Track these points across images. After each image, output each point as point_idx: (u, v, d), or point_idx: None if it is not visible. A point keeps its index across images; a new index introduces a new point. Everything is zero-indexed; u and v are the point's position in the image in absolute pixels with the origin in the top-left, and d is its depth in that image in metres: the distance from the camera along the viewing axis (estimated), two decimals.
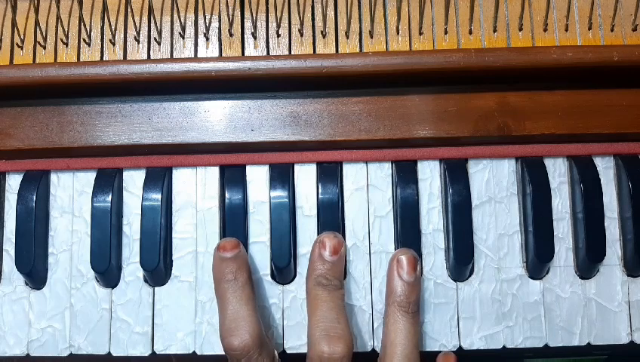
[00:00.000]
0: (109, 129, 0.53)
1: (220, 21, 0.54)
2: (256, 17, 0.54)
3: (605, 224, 0.52)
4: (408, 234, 0.52)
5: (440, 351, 0.51)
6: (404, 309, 0.48)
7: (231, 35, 0.54)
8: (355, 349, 0.51)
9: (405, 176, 0.53)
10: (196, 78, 0.50)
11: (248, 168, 0.54)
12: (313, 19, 0.54)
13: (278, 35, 0.54)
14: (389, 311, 0.48)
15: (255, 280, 0.52)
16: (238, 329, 0.46)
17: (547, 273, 0.52)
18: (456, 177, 0.52)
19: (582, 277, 0.52)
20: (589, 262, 0.51)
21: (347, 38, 0.53)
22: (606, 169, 0.53)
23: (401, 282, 0.48)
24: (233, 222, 0.53)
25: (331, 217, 0.52)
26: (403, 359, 0.46)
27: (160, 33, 0.54)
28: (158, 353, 0.52)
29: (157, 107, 0.53)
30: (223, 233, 0.53)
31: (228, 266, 0.48)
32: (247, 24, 0.54)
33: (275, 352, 0.49)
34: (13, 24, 0.53)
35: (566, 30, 0.53)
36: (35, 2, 0.53)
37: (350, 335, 0.47)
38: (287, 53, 0.53)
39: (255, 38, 0.54)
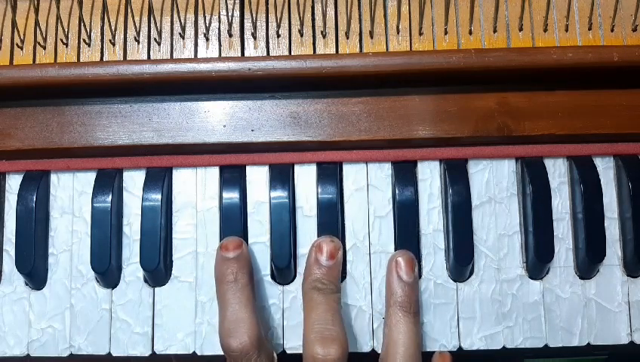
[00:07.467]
0: (109, 129, 0.52)
1: (219, 21, 0.54)
2: (256, 17, 0.54)
3: (605, 224, 0.52)
4: (408, 234, 0.52)
5: (440, 351, 0.51)
6: (405, 309, 0.48)
7: (231, 35, 0.54)
8: (355, 349, 0.51)
9: (405, 176, 0.53)
10: (196, 78, 0.50)
11: (248, 168, 0.54)
12: (313, 20, 0.54)
13: (278, 36, 0.54)
14: (391, 312, 0.48)
15: (255, 281, 0.52)
16: (237, 330, 0.46)
17: (547, 273, 0.52)
18: (456, 177, 0.52)
19: (582, 278, 0.52)
20: (589, 262, 0.51)
21: (347, 38, 0.53)
22: (606, 169, 0.53)
23: (402, 283, 0.49)
24: (233, 222, 0.52)
25: (331, 217, 0.52)
26: (407, 359, 0.46)
27: (160, 33, 0.54)
28: (158, 353, 0.52)
29: (157, 107, 0.53)
30: (223, 233, 0.53)
31: (229, 267, 0.48)
32: (247, 24, 0.54)
33: (274, 354, 0.49)
34: (13, 24, 0.53)
35: (566, 30, 0.53)
36: (35, 2, 0.53)
37: (345, 338, 0.46)
38: (287, 53, 0.53)
39: (255, 38, 0.54)
